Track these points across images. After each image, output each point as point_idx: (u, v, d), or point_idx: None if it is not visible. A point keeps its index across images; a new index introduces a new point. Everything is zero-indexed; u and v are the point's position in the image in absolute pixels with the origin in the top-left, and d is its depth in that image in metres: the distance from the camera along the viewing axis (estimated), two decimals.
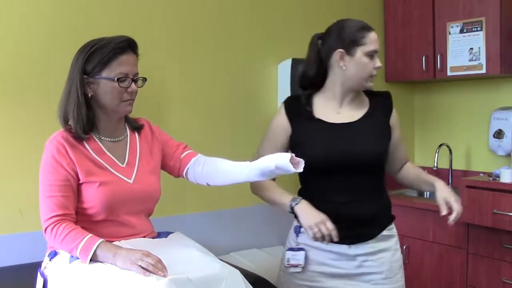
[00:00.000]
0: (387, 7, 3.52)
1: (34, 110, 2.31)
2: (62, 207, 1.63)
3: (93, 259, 1.56)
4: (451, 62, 3.15)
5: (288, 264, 1.95)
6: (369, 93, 2.03)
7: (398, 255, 2.00)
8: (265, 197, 2.01)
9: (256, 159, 1.69)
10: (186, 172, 1.88)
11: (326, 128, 1.93)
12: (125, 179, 1.74)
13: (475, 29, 3.01)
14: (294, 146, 1.96)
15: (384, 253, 1.94)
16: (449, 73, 3.17)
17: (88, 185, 1.68)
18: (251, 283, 1.62)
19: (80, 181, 1.68)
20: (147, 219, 1.85)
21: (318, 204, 1.88)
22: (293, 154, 1.61)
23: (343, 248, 1.90)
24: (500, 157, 3.18)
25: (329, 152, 1.89)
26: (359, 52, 1.87)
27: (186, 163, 1.88)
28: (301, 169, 1.61)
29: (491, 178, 2.77)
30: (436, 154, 3.31)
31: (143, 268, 1.47)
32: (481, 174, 3.03)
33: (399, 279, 1.98)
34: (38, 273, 1.72)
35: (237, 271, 1.57)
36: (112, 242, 1.64)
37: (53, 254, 1.69)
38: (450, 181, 3.36)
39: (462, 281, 2.83)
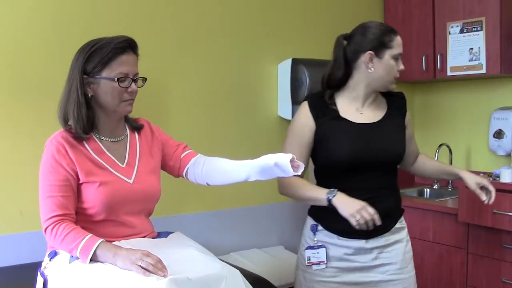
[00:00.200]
0: (387, 7, 3.52)
1: (34, 110, 2.31)
2: (62, 207, 1.63)
3: (93, 259, 1.56)
4: (451, 62, 3.15)
5: (309, 263, 1.99)
6: (385, 94, 2.08)
7: (409, 246, 2.07)
8: (296, 195, 2.01)
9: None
10: (186, 172, 1.89)
11: (352, 127, 1.97)
12: (125, 179, 1.74)
13: (475, 29, 3.01)
14: (317, 144, 1.99)
15: (397, 245, 2.01)
16: (449, 73, 3.17)
17: (88, 185, 1.68)
18: (251, 283, 1.62)
19: (80, 181, 1.68)
20: (147, 219, 1.85)
21: None
22: (295, 156, 1.61)
23: (361, 243, 1.96)
24: (500, 157, 3.18)
25: (355, 151, 1.93)
26: (387, 54, 1.93)
27: (186, 163, 1.88)
28: (299, 173, 1.62)
29: (491, 178, 2.78)
30: (436, 154, 3.31)
31: (143, 268, 1.47)
32: (481, 174, 3.01)
33: (410, 270, 2.06)
34: (38, 273, 1.72)
35: (237, 271, 1.57)
36: (112, 242, 1.64)
37: (53, 254, 1.69)
38: (450, 181, 3.36)
39: (462, 281, 2.83)
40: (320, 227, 2.00)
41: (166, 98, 2.72)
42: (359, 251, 1.96)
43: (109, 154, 1.75)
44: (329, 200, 1.89)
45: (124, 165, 1.76)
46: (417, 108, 3.72)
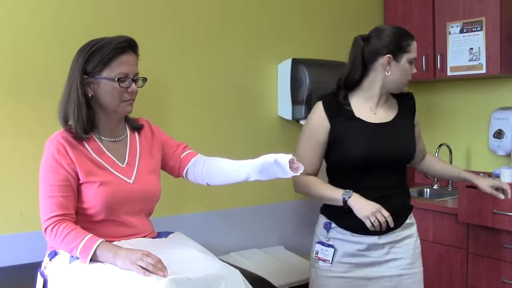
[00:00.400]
0: (387, 7, 3.52)
1: (34, 110, 2.31)
2: (62, 207, 1.63)
3: (93, 259, 1.56)
4: (451, 62, 3.15)
5: (316, 256, 2.06)
6: (395, 94, 2.11)
7: (419, 242, 2.13)
8: (311, 192, 2.03)
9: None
10: (186, 172, 1.89)
11: (367, 127, 2.00)
12: (125, 179, 1.74)
13: (475, 29, 3.01)
14: (331, 144, 2.02)
15: (408, 240, 2.07)
16: (449, 73, 3.17)
17: (88, 185, 1.68)
18: (251, 283, 1.62)
19: (80, 181, 1.68)
20: (147, 219, 1.85)
21: None
22: (295, 158, 1.62)
23: (374, 239, 2.00)
24: (500, 157, 3.18)
25: (369, 151, 1.97)
26: (404, 58, 1.99)
27: (186, 163, 1.88)
28: (298, 174, 1.63)
29: (491, 178, 2.77)
30: (436, 154, 3.30)
31: (143, 268, 1.47)
32: (481, 174, 3.02)
33: (419, 265, 2.12)
34: (38, 273, 1.72)
35: (237, 271, 1.58)
36: (112, 242, 1.64)
37: (53, 254, 1.69)
38: (450, 181, 3.36)
39: (462, 281, 2.83)
40: (333, 225, 2.04)
41: (166, 98, 2.72)
42: (372, 246, 2.01)
43: (109, 154, 1.75)
44: (345, 201, 1.93)
45: (124, 165, 1.76)
46: (417, 108, 3.70)
